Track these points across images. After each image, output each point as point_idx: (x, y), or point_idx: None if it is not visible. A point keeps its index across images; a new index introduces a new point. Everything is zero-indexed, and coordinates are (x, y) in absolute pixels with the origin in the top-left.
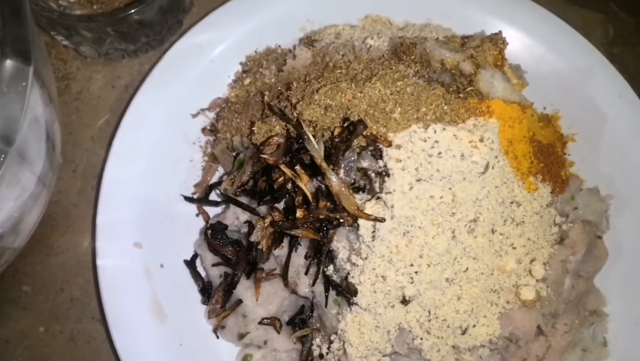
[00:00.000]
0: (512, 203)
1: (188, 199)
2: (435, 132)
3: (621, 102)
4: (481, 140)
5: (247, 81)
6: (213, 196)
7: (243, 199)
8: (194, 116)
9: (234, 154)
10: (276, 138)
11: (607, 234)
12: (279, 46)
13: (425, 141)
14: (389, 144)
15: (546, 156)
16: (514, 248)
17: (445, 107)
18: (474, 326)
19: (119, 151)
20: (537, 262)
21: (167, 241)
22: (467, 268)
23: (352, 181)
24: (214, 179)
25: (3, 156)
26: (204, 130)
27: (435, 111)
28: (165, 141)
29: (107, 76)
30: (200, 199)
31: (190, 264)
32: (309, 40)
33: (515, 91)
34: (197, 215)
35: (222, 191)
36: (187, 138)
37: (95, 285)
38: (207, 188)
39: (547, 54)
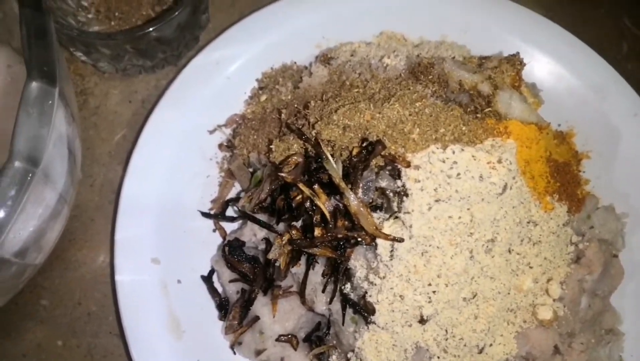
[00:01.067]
0: (529, 222)
1: (205, 215)
2: (453, 153)
3: (636, 121)
4: (499, 161)
5: (263, 98)
6: (230, 212)
7: (261, 217)
8: (211, 132)
9: (251, 170)
10: (295, 157)
11: (621, 252)
12: (295, 63)
13: (444, 161)
14: (408, 165)
15: (562, 175)
16: (531, 268)
17: (464, 128)
18: (491, 345)
19: (137, 167)
20: (553, 281)
21: (184, 257)
22: (484, 288)
23: (370, 201)
24: (231, 195)
25: (30, 176)
26: (220, 146)
27: (453, 131)
28: (183, 157)
29: (124, 91)
30: (217, 215)
31: (207, 280)
32: (325, 58)
33: (532, 111)
34: (214, 231)
35: (239, 208)
36: (204, 154)
37: (114, 300)
38: (223, 203)
39: (562, 72)
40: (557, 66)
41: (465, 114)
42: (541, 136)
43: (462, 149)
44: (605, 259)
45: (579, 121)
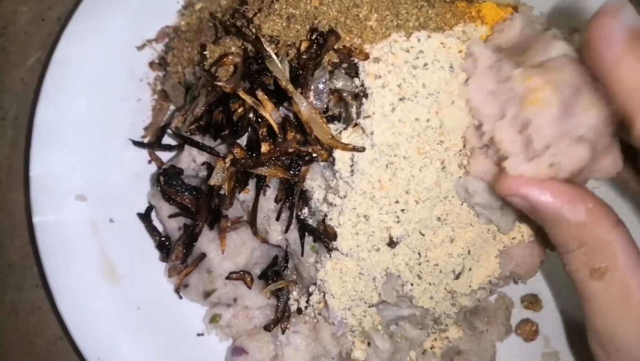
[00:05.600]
0: None
1: (137, 143)
2: (419, 40)
3: None
4: None
5: (198, 6)
6: (167, 140)
7: (199, 138)
8: (139, 48)
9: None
10: (231, 57)
11: None
12: None
13: (408, 51)
14: (366, 57)
15: None
16: None
17: (430, 12)
18: (470, 269)
19: (52, 90)
20: None
21: (116, 193)
22: (460, 209)
23: (325, 107)
24: (166, 120)
25: None
26: (151, 64)
27: (418, 16)
28: (107, 79)
29: (35, 8)
30: (152, 144)
31: (145, 217)
32: None
33: None
34: (149, 162)
35: (173, 130)
36: (132, 74)
37: (34, 247)
38: (158, 130)
39: None
40: None
41: None
42: None
43: (429, 36)
44: None
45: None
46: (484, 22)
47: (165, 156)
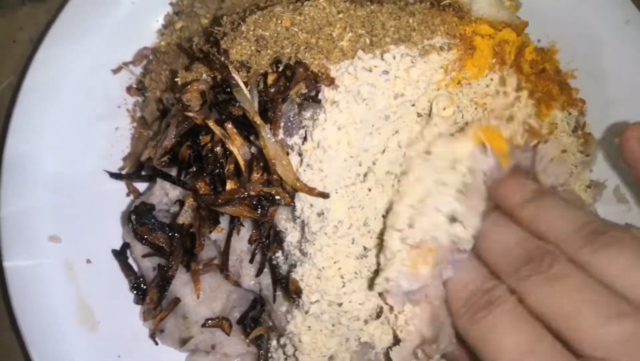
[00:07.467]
0: None
1: (115, 175)
2: (394, 58)
3: (628, 30)
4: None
5: (179, 25)
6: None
7: (172, 171)
8: (115, 71)
9: None
10: (197, 84)
11: None
12: None
13: (370, 70)
14: (331, 82)
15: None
16: None
17: (411, 21)
18: None
19: (21, 122)
20: None
21: (93, 231)
22: None
23: (302, 143)
24: None
25: None
26: (129, 89)
27: (397, 28)
28: (81, 106)
29: (5, 29)
30: (130, 175)
31: (120, 255)
32: None
33: (502, 5)
34: (128, 194)
35: (145, 162)
36: (109, 101)
37: (4, 292)
38: (137, 160)
39: None
40: None
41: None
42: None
43: (404, 55)
44: None
45: (563, 35)
46: (477, 52)
47: (144, 188)
